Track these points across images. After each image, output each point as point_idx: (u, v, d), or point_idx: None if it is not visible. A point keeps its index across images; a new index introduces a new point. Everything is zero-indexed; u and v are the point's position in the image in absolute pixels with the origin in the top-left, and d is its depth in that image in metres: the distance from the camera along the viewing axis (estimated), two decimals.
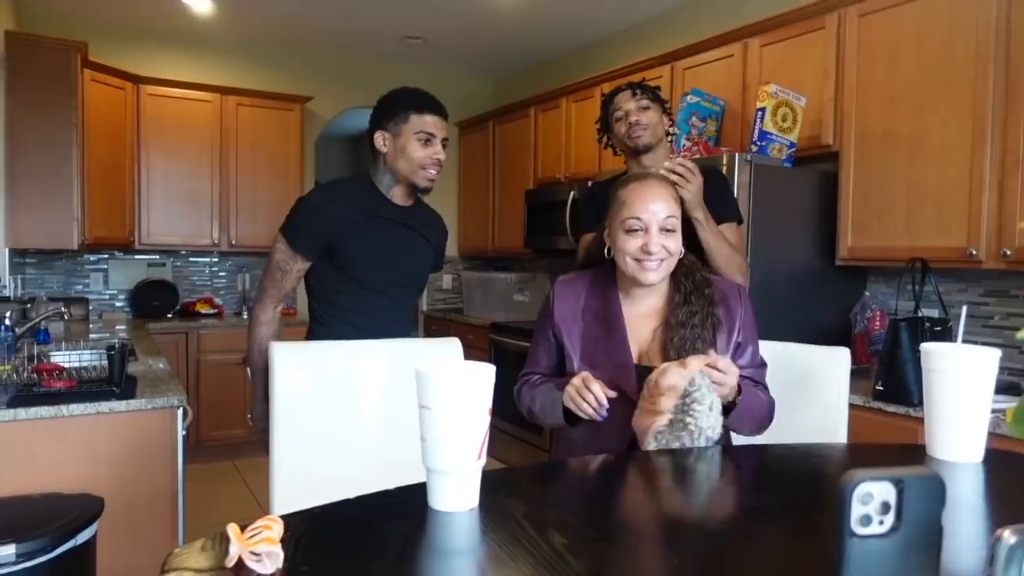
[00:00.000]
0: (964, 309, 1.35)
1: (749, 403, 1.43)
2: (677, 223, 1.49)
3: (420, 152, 1.84)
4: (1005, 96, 2.28)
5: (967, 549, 0.69)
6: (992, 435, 1.27)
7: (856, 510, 0.54)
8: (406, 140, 1.83)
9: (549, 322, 1.60)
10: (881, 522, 0.55)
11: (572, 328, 1.56)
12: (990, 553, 0.50)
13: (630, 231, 1.47)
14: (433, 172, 1.87)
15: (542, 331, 1.62)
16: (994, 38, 2.30)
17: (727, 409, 1.39)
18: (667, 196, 1.49)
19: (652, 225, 1.46)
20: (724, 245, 1.93)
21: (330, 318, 1.94)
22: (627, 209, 1.48)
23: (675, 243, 1.48)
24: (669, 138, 2.22)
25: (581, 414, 1.41)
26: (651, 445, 1.30)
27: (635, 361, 1.50)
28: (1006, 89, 2.27)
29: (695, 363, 1.31)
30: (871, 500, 0.54)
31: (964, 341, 1.30)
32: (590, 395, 1.39)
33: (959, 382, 1.16)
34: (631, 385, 1.45)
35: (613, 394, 1.40)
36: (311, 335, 1.96)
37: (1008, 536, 0.50)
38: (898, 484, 0.55)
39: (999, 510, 1.06)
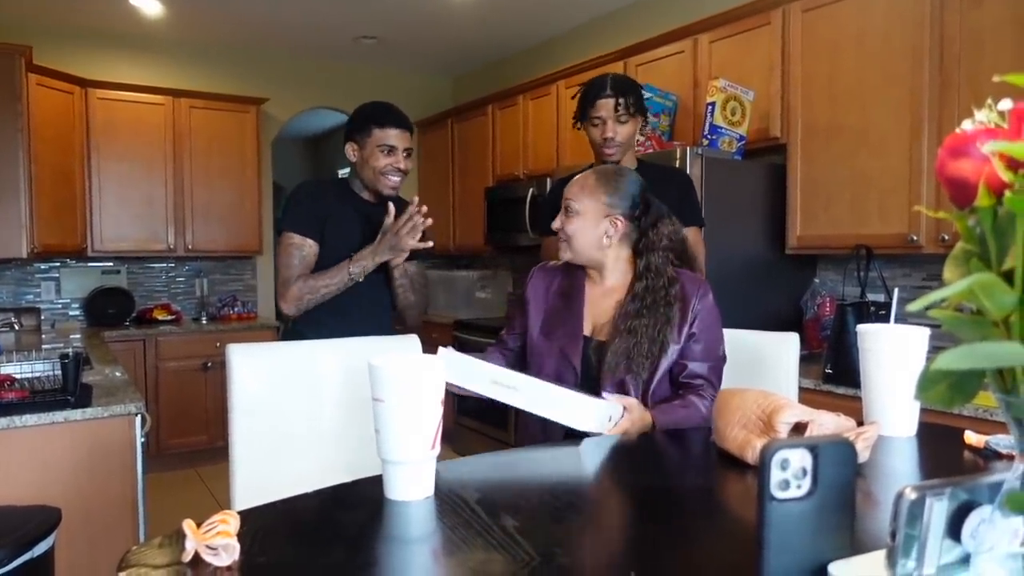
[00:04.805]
0: (896, 292, 1.42)
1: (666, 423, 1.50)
2: (580, 207, 1.60)
3: (382, 161, 2.04)
4: (940, 92, 2.37)
5: (886, 512, 0.74)
6: (926, 410, 1.33)
7: (775, 475, 0.58)
8: (370, 151, 2.05)
9: (523, 299, 1.76)
10: (799, 486, 0.59)
11: (540, 304, 1.71)
12: (894, 510, 0.54)
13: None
14: (395, 179, 2.07)
15: (518, 304, 1.79)
16: (928, 36, 2.39)
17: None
18: (582, 185, 1.62)
19: (562, 208, 1.62)
20: None
21: (306, 329, 2.02)
22: None
23: (572, 226, 1.60)
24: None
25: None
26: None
27: (587, 334, 1.62)
28: (940, 85, 2.37)
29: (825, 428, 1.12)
30: (789, 466, 0.59)
31: (904, 322, 1.37)
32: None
33: (890, 360, 1.22)
34: (576, 353, 1.59)
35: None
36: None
37: (909, 493, 0.54)
38: (813, 450, 0.59)
39: (923, 478, 1.12)
